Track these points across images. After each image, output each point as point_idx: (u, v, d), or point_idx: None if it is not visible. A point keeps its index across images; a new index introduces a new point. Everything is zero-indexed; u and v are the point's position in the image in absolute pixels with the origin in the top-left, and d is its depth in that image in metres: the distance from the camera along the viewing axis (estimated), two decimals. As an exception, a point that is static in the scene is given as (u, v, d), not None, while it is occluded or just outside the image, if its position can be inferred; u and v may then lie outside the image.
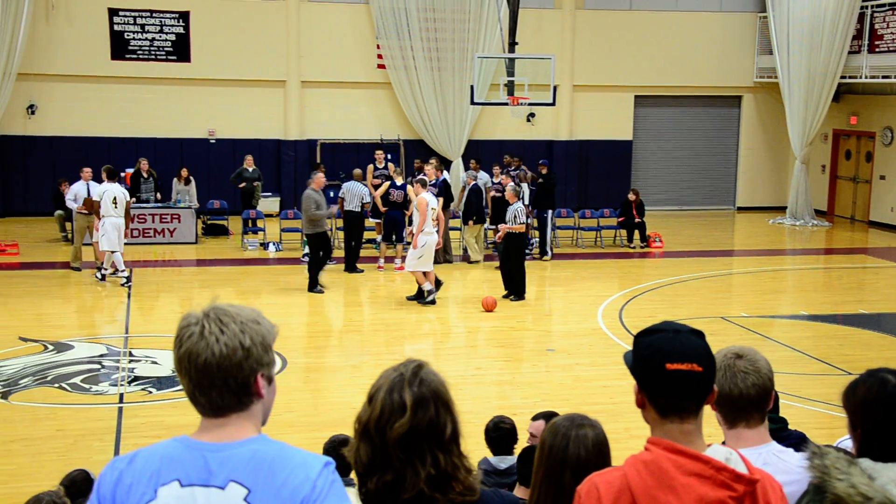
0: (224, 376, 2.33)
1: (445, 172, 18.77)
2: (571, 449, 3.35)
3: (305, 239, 16.39)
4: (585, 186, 25.20)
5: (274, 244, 19.26)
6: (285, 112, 23.72)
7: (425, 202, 14.46)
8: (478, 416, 8.93)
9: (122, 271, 15.63)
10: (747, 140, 26.38)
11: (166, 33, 22.80)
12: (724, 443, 3.03)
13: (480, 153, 22.33)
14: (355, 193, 17.01)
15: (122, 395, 10.26)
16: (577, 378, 11.17)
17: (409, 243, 15.42)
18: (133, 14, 22.59)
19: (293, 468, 2.31)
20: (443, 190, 17.69)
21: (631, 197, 20.47)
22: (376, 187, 17.88)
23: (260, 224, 20.08)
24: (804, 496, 2.81)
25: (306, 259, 16.17)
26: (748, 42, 25.70)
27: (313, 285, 15.37)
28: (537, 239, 18.87)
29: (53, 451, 8.63)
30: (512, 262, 15.11)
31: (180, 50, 22.92)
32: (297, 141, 23.76)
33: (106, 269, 15.77)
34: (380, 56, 23.56)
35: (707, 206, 26.62)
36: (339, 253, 17.59)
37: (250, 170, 20.77)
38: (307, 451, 2.36)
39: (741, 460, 2.57)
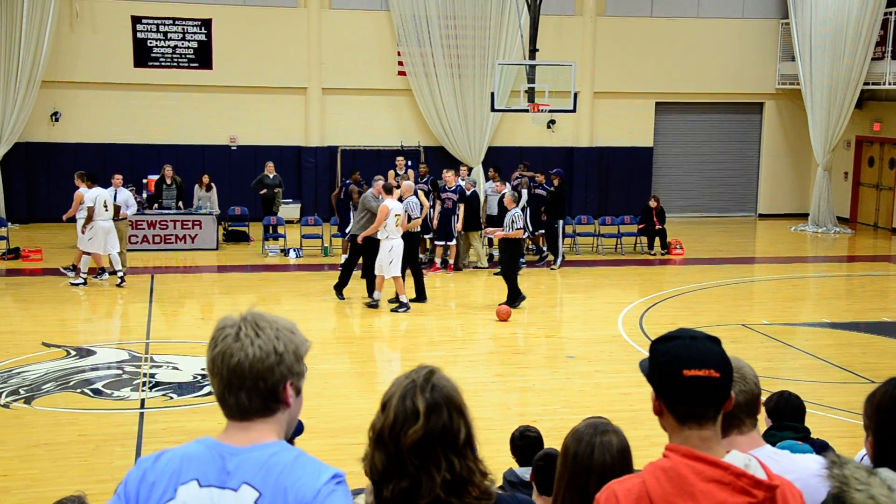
0: (255, 378, 2.37)
1: (461, 180, 18.29)
2: (597, 456, 3.36)
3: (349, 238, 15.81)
4: (606, 193, 25.13)
5: (294, 250, 19.31)
6: (306, 119, 23.81)
7: (387, 210, 14.31)
8: (498, 423, 8.94)
9: (102, 273, 16.27)
10: (769, 147, 26.22)
11: (189, 41, 22.96)
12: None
13: (501, 160, 22.28)
14: (415, 207, 15.85)
15: (143, 401, 10.32)
16: (598, 385, 11.14)
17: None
18: (156, 22, 22.77)
19: (302, 476, 2.33)
20: (463, 196, 17.68)
21: (652, 204, 20.39)
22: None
23: (281, 230, 20.16)
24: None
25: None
26: (770, 48, 25.57)
27: (340, 286, 15.28)
28: (545, 247, 18.85)
29: (75, 456, 8.68)
30: (504, 268, 15.09)
31: (202, 57, 23.07)
32: (318, 148, 23.84)
33: (121, 271, 16.08)
34: (400, 63, 23.62)
35: (728, 213, 26.48)
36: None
37: (271, 176, 20.89)
38: (323, 461, 2.38)
39: (760, 466, 2.56)
